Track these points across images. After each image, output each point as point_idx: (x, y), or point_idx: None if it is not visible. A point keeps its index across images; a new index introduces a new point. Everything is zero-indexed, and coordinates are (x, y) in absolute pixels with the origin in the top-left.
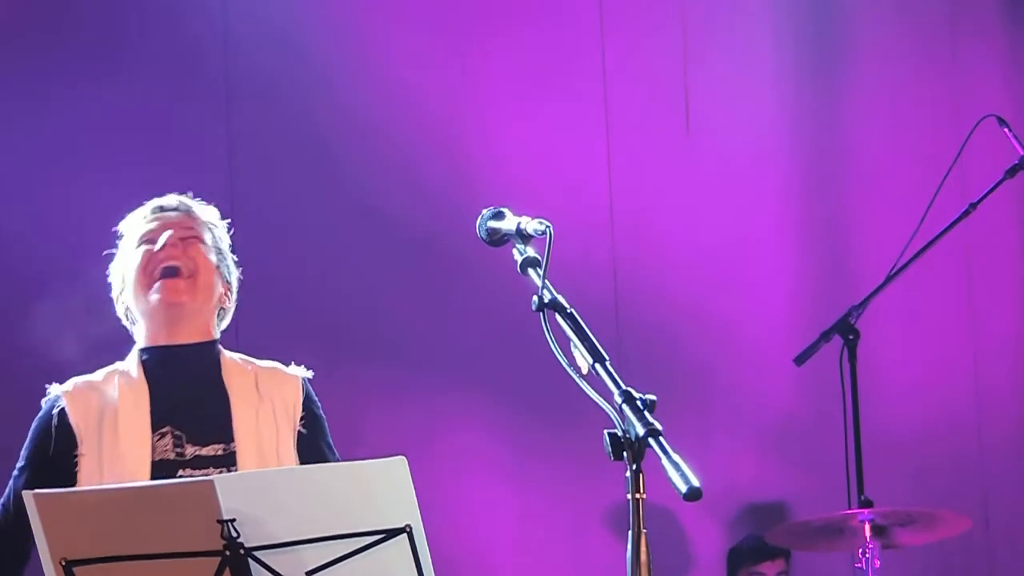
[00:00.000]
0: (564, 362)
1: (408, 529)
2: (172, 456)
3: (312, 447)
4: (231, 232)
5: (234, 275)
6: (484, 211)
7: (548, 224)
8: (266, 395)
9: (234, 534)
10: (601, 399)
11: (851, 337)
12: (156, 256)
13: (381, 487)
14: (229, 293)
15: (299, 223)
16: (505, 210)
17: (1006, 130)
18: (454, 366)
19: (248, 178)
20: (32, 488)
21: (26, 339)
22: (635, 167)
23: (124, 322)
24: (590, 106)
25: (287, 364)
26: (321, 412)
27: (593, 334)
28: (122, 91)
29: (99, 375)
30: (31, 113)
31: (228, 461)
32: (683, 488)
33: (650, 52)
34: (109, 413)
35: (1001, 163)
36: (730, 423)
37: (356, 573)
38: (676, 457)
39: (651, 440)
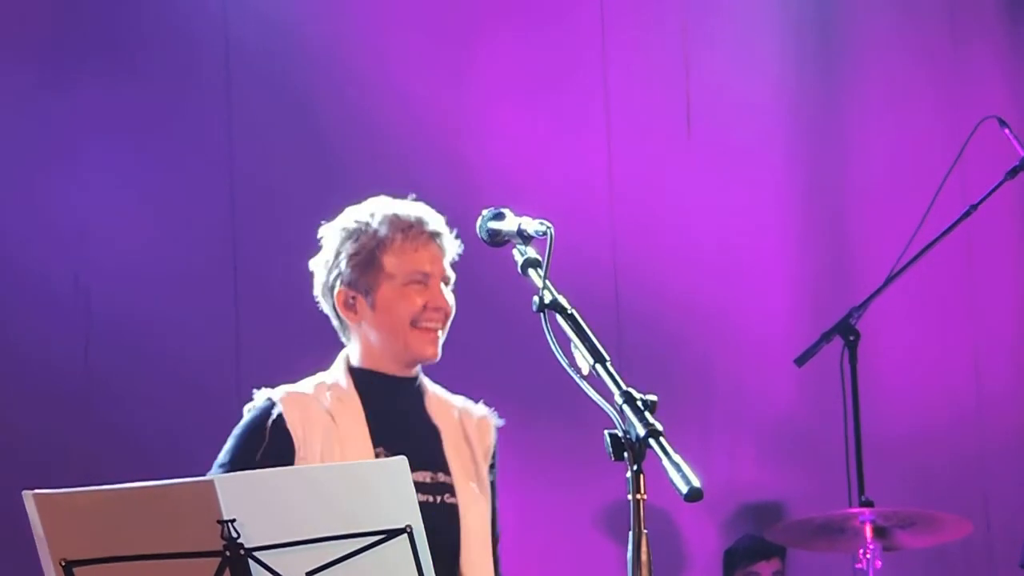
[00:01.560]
0: (565, 363)
1: (409, 529)
2: None
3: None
4: (232, 234)
5: None
6: (484, 212)
7: (549, 225)
8: (472, 438)
9: (234, 534)
10: (602, 400)
11: (852, 338)
12: (430, 305)
13: (381, 487)
14: None
15: (299, 223)
16: (505, 211)
17: (1007, 131)
18: (454, 367)
19: (248, 177)
20: None
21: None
22: (636, 167)
23: (334, 322)
24: (591, 106)
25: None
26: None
27: (594, 334)
28: (122, 90)
29: (308, 387)
30: (31, 112)
31: (443, 489)
32: (684, 489)
33: (651, 52)
34: (329, 425)
35: (1002, 164)
36: (731, 424)
37: (357, 573)
38: (677, 458)
39: (652, 441)
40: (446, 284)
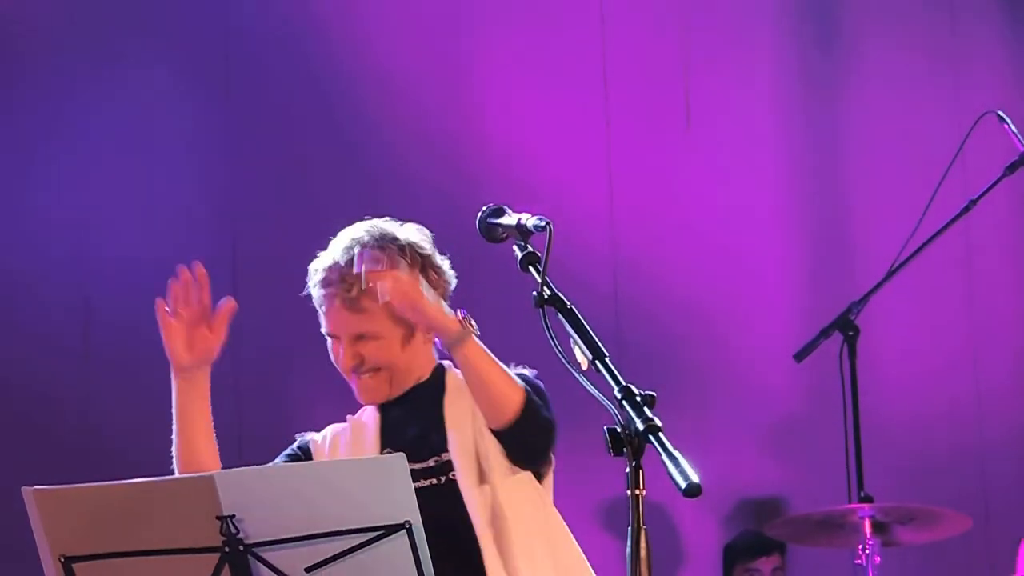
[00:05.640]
0: (564, 358)
1: (408, 525)
2: None
3: None
4: (232, 232)
5: (445, 285)
6: (484, 208)
7: (548, 221)
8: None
9: (233, 530)
10: (601, 395)
11: (851, 333)
12: (342, 356)
13: (381, 484)
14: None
15: (300, 222)
16: (505, 207)
17: (1006, 126)
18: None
19: (248, 177)
20: None
21: (25, 338)
22: (635, 163)
23: None
24: (590, 102)
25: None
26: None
27: (593, 330)
28: (122, 89)
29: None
30: (30, 112)
31: (442, 470)
32: (683, 484)
33: (650, 48)
34: (349, 439)
35: (1001, 159)
36: (730, 419)
37: (356, 570)
38: (676, 453)
39: (651, 436)
40: (360, 339)
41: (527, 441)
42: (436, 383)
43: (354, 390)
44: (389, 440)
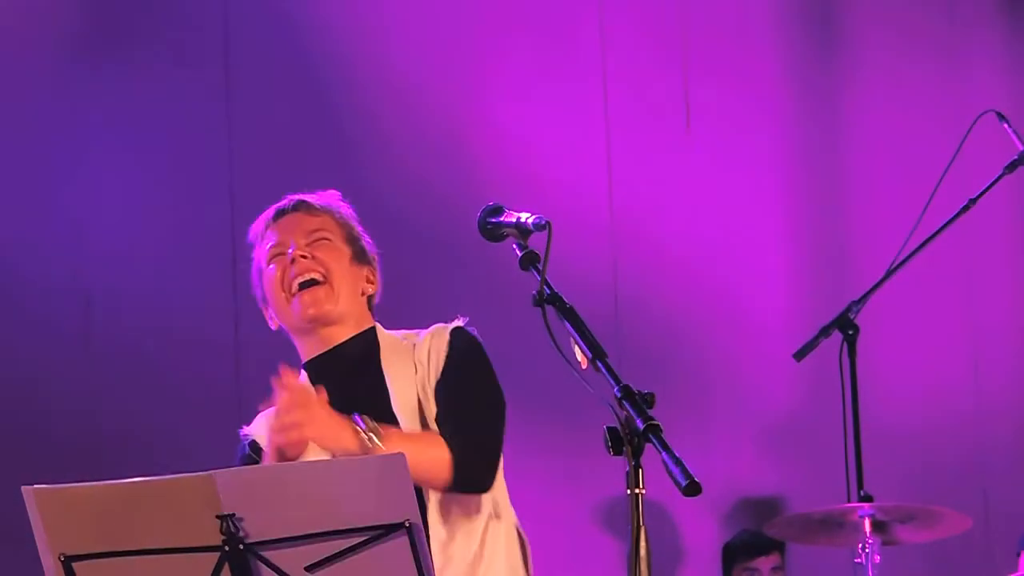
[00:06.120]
0: (564, 357)
1: (408, 524)
2: None
3: (437, 393)
4: (232, 231)
5: (371, 254)
6: (484, 207)
7: (548, 220)
8: (421, 363)
9: (234, 529)
10: (600, 395)
11: (851, 332)
12: (288, 271)
13: (381, 483)
14: (372, 275)
15: None
16: (504, 206)
17: (1005, 125)
18: None
19: (248, 175)
20: None
21: (25, 338)
22: (635, 164)
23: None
24: (590, 104)
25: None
26: (461, 356)
27: (592, 330)
28: (121, 88)
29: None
30: (30, 111)
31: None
32: (682, 483)
33: (650, 48)
34: None
35: (1001, 158)
36: (730, 419)
37: (356, 569)
38: (675, 452)
39: (651, 435)
40: (315, 241)
41: (470, 488)
42: (369, 339)
43: (294, 313)
44: (332, 403)
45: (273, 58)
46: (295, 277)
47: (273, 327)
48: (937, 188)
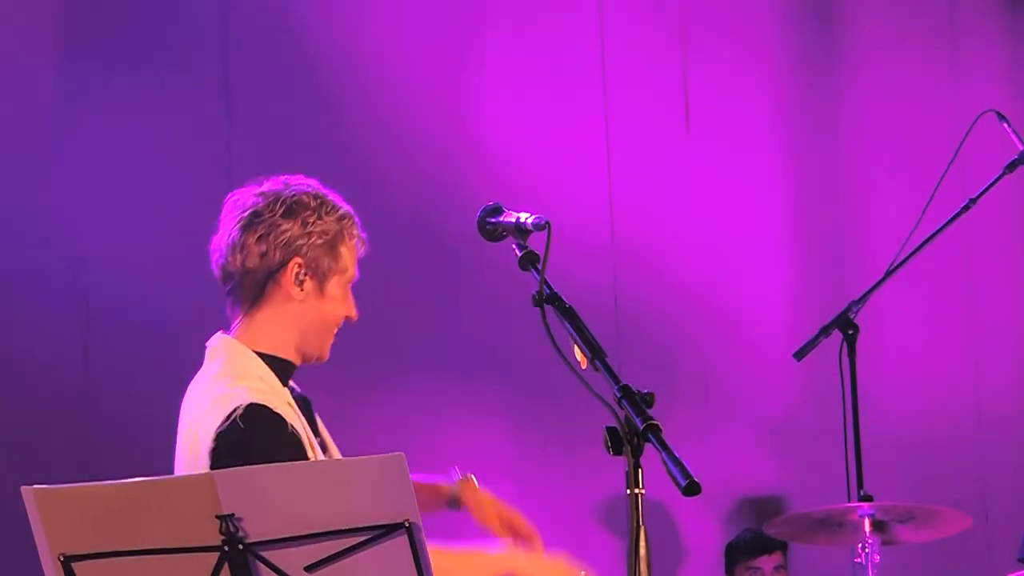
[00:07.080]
0: (563, 357)
1: (407, 524)
2: None
3: None
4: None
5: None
6: (484, 207)
7: (547, 220)
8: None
9: (233, 529)
10: (599, 394)
11: (851, 332)
12: (353, 308)
13: (380, 483)
14: None
15: None
16: (504, 206)
17: (1005, 125)
18: (453, 362)
19: (247, 176)
20: None
21: (25, 338)
22: (635, 164)
23: (247, 292)
24: (590, 104)
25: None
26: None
27: (592, 330)
28: (121, 88)
29: (270, 390)
30: (29, 111)
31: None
32: (682, 483)
33: (650, 48)
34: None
35: (1000, 158)
36: (730, 419)
37: (355, 569)
38: (675, 452)
39: (650, 435)
40: None
41: None
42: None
43: (326, 342)
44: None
45: (273, 58)
46: (349, 318)
47: (296, 292)
48: (937, 188)
